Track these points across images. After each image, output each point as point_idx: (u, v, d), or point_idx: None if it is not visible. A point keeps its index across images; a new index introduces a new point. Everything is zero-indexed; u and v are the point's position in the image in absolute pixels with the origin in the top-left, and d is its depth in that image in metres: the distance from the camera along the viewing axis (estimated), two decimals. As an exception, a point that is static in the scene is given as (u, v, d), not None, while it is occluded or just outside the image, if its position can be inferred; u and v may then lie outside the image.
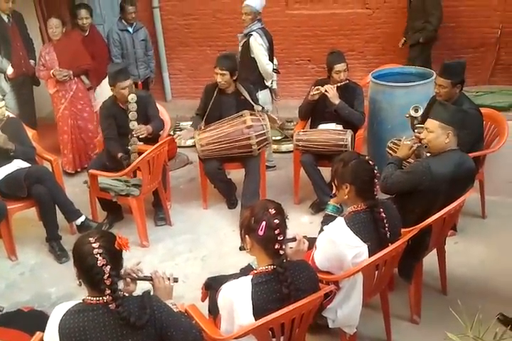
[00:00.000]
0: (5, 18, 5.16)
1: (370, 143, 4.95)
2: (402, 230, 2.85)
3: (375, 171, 2.73)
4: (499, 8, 6.20)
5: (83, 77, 5.35)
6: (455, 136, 3.13)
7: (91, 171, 4.20)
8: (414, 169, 3.13)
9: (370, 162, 2.75)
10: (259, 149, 4.42)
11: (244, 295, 2.22)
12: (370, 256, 2.62)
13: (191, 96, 6.98)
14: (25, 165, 4.11)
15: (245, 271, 2.67)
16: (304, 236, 2.61)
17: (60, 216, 4.13)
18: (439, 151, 3.16)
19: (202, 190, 4.68)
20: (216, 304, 2.40)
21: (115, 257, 2.07)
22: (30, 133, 4.44)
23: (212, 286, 2.81)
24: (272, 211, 2.26)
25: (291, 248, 2.50)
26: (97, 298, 2.03)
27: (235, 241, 4.02)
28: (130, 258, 2.19)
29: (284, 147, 5.74)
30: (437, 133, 3.12)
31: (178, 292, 2.44)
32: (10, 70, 5.18)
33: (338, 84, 4.41)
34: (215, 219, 4.56)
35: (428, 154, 3.32)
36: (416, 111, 3.88)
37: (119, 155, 4.22)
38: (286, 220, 2.32)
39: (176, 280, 2.44)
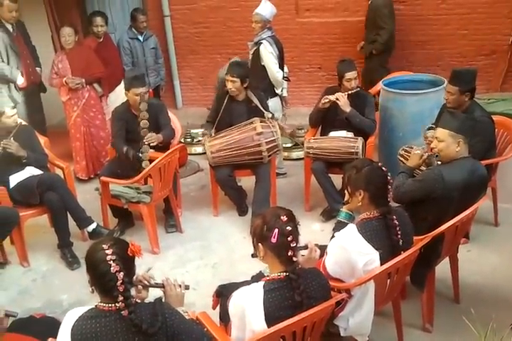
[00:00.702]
0: (9, 27, 5.13)
1: (381, 151, 4.95)
2: (415, 238, 2.83)
3: (389, 177, 2.73)
4: (511, 16, 6.20)
5: (96, 85, 5.40)
6: (466, 144, 3.12)
7: (102, 178, 4.22)
8: (426, 177, 3.12)
9: (383, 168, 2.75)
10: (269, 156, 4.42)
11: (255, 301, 2.21)
12: (381, 264, 2.61)
13: (202, 104, 7.03)
14: (37, 172, 4.15)
15: (257, 278, 2.66)
16: (316, 244, 2.60)
17: (71, 223, 4.15)
18: (450, 159, 3.15)
19: (213, 197, 4.69)
20: (227, 311, 2.39)
21: (128, 264, 2.08)
22: (42, 140, 4.48)
23: (223, 294, 2.80)
24: (284, 218, 2.26)
25: (302, 255, 2.49)
26: (110, 305, 2.04)
27: (246, 248, 4.03)
28: (140, 265, 2.19)
29: (295, 154, 5.75)
30: (448, 142, 3.11)
31: (189, 299, 2.44)
32: (21, 80, 5.17)
33: (349, 92, 4.41)
34: (226, 226, 4.56)
35: (439, 162, 3.31)
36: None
37: (125, 149, 4.24)
38: (298, 227, 2.32)
39: (187, 287, 2.44)
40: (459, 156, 3.11)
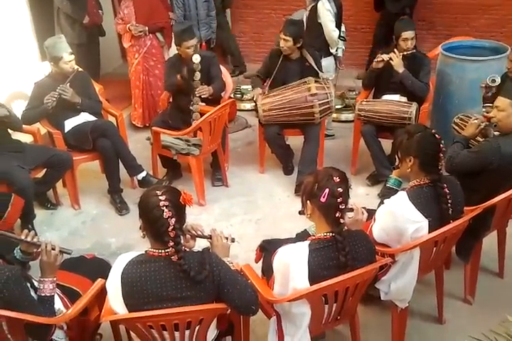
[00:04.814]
0: None
1: (434, 117, 4.83)
2: (465, 208, 2.79)
3: (441, 145, 2.66)
4: None
5: (158, 35, 5.38)
6: (527, 115, 3.01)
7: (154, 128, 4.28)
8: (483, 148, 3.05)
9: (437, 135, 2.68)
10: (321, 117, 4.37)
11: (300, 259, 2.23)
12: (430, 232, 2.58)
13: (254, 60, 6.93)
14: (91, 118, 4.22)
15: (301, 236, 2.70)
16: (363, 208, 2.60)
17: (122, 170, 4.24)
18: (509, 130, 3.05)
19: (260, 154, 4.70)
20: (270, 266, 2.43)
21: (179, 211, 2.12)
22: (97, 87, 4.53)
23: (266, 248, 2.85)
24: (337, 179, 2.24)
25: (349, 218, 2.50)
26: (160, 251, 2.10)
27: (290, 206, 4.11)
28: (188, 216, 2.22)
29: (344, 116, 5.67)
30: (508, 112, 3.00)
31: (232, 251, 2.48)
32: (86, 18, 5.38)
33: (405, 53, 4.27)
34: (271, 183, 4.59)
35: (496, 133, 3.21)
36: (493, 81, 3.71)
37: (178, 76, 4.25)
38: (350, 190, 2.31)
39: (233, 240, 2.49)
40: (520, 127, 3.01)
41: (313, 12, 4.95)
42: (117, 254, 2.27)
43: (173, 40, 5.19)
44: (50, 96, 3.97)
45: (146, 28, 5.19)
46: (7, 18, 4.97)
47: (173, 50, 5.24)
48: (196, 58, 4.21)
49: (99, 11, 5.60)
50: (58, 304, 2.41)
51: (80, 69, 4.40)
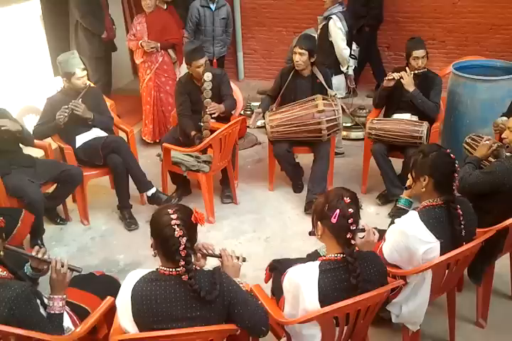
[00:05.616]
0: None
1: (445, 137, 4.82)
2: (477, 230, 2.76)
3: (456, 165, 2.65)
4: None
5: (170, 51, 5.44)
6: (540, 136, 3.00)
7: (165, 145, 4.29)
8: (496, 169, 3.03)
9: (451, 155, 2.67)
10: (328, 135, 4.37)
11: (311, 280, 2.21)
12: (441, 254, 2.56)
13: (264, 77, 7.00)
14: (103, 134, 4.25)
15: (312, 257, 2.68)
16: (375, 228, 2.58)
17: (132, 186, 4.25)
18: (522, 151, 3.04)
19: (269, 171, 4.70)
20: (280, 286, 2.41)
21: (191, 230, 2.11)
22: (108, 103, 4.57)
23: (276, 268, 2.82)
24: (347, 199, 2.22)
25: (360, 238, 2.48)
26: (171, 269, 2.09)
27: (299, 225, 4.09)
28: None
29: (354, 134, 5.66)
30: None
31: (241, 270, 2.46)
32: (104, 33, 5.56)
33: (416, 72, 4.28)
34: (280, 201, 4.58)
35: (508, 154, 3.20)
36: None
37: (193, 133, 4.27)
38: (360, 210, 2.30)
39: (244, 260, 2.48)
40: (532, 149, 3.01)
41: (325, 30, 5.00)
42: (126, 271, 2.27)
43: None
44: (62, 111, 4.00)
45: (158, 44, 5.25)
46: (22, 33, 5.04)
47: (185, 67, 5.31)
48: (208, 76, 4.24)
49: (113, 27, 5.72)
50: (67, 322, 2.40)
51: (92, 84, 4.45)
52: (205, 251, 2.42)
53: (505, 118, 3.63)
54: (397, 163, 4.33)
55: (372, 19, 6.11)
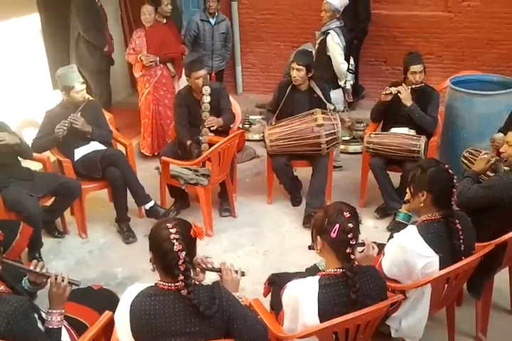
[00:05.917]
0: None
1: (442, 151, 4.84)
2: (476, 244, 2.76)
3: (455, 180, 2.66)
4: None
5: (169, 65, 5.48)
6: (538, 151, 3.02)
7: (163, 158, 4.29)
8: (495, 184, 3.03)
9: (450, 170, 2.68)
10: (327, 148, 4.38)
11: (310, 294, 2.21)
12: (440, 268, 2.56)
13: (262, 91, 7.02)
14: (101, 147, 4.25)
15: (311, 271, 2.68)
16: (374, 242, 2.58)
17: (130, 199, 4.25)
18: (520, 165, 3.06)
19: (268, 184, 4.71)
20: (279, 300, 2.41)
21: (190, 244, 2.10)
22: (107, 116, 4.59)
23: (275, 282, 2.82)
24: (347, 214, 2.23)
25: (360, 252, 2.48)
26: (170, 284, 2.07)
27: (298, 238, 4.09)
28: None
29: (352, 148, 5.68)
30: None
31: (240, 284, 2.46)
32: (106, 47, 5.60)
33: (413, 86, 4.31)
34: (279, 214, 4.58)
35: (506, 168, 3.21)
36: None
37: (189, 142, 4.29)
38: (360, 225, 2.30)
39: (243, 274, 2.47)
40: (530, 163, 3.02)
41: (323, 45, 5.03)
42: (124, 284, 2.27)
43: (183, 71, 5.30)
44: (61, 125, 4.01)
45: (157, 58, 5.28)
46: (21, 47, 5.07)
47: (183, 80, 5.34)
48: (206, 90, 4.27)
49: (112, 41, 5.76)
50: (65, 336, 2.38)
51: (91, 98, 4.47)
52: (204, 265, 2.41)
53: (502, 134, 3.65)
54: (395, 177, 4.34)
55: (361, 32, 6.15)
